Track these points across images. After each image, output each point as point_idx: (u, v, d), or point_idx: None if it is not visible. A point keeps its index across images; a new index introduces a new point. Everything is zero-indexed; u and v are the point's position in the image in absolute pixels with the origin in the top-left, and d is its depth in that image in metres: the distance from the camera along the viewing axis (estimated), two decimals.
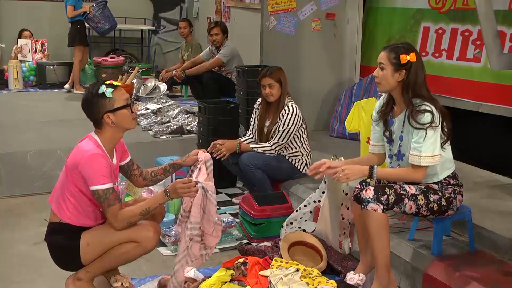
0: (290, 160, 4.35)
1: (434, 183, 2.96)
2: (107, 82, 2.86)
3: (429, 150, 2.82)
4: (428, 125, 2.82)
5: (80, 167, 2.76)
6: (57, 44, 8.92)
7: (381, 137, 3.11)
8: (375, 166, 2.91)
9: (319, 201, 3.45)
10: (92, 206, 2.86)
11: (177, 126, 5.50)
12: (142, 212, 2.81)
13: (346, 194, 3.26)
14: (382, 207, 2.79)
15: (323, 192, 3.40)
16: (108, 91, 2.81)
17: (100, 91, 2.81)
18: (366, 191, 2.82)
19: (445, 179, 2.96)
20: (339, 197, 3.30)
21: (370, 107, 3.89)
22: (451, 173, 2.98)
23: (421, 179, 2.91)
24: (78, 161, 2.77)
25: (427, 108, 2.84)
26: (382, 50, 2.96)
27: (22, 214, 4.29)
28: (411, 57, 2.86)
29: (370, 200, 2.79)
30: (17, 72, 7.94)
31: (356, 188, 3.03)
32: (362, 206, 2.83)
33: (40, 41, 8.60)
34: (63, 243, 2.84)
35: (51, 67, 8.07)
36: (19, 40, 8.60)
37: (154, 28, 10.15)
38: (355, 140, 5.14)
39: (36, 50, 8.55)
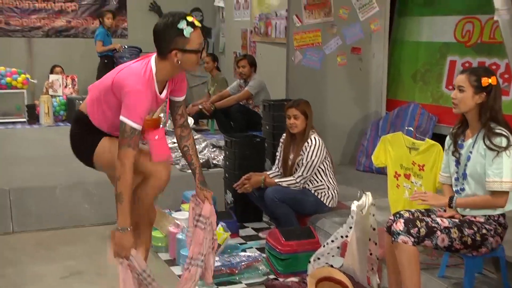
0: (315, 194, 4.33)
1: (483, 215, 2.93)
2: (189, 18, 2.70)
3: (510, 175, 2.81)
4: (503, 149, 2.81)
5: (123, 94, 2.69)
6: (87, 79, 9.08)
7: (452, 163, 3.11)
8: (455, 197, 2.95)
9: (347, 236, 3.41)
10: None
11: (203, 160, 5.52)
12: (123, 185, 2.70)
13: (374, 229, 3.23)
14: (412, 239, 2.77)
15: (351, 227, 3.36)
16: (187, 31, 2.67)
17: (179, 26, 2.67)
18: (396, 223, 2.82)
19: (497, 215, 2.93)
20: (367, 232, 3.26)
21: (397, 141, 3.87)
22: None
23: (503, 204, 2.88)
24: (125, 87, 2.69)
25: (503, 132, 2.85)
26: (460, 73, 2.99)
27: (50, 247, 4.32)
28: (492, 80, 2.89)
29: (400, 232, 2.78)
30: (48, 107, 8.11)
31: (390, 219, 3.01)
32: (393, 239, 2.82)
33: (70, 77, 8.80)
34: (84, 134, 2.90)
35: (81, 102, 8.22)
36: (50, 75, 8.81)
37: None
38: (382, 174, 5.09)
39: (66, 85, 8.74)
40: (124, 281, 2.76)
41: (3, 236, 4.53)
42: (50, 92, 8.64)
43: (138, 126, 2.68)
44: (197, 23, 2.71)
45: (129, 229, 2.71)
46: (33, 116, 8.18)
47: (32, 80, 8.66)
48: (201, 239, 2.99)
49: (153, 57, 2.80)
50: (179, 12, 2.74)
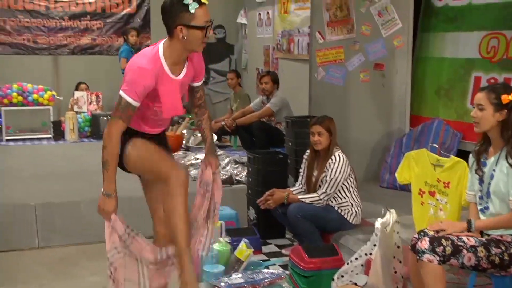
0: (339, 210, 4.30)
1: (510, 234, 2.88)
2: None
3: None
4: None
5: (126, 72, 2.76)
6: (111, 95, 9.21)
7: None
8: (473, 220, 2.90)
9: (371, 254, 3.38)
10: (151, 110, 2.86)
11: (226, 176, 5.54)
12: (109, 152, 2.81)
13: (399, 247, 3.20)
14: (438, 258, 2.73)
15: (375, 245, 3.33)
16: (192, 6, 2.66)
17: (185, 1, 2.67)
18: (421, 241, 2.78)
19: None
20: (391, 250, 3.23)
21: (421, 158, 3.84)
22: None
23: None
24: (128, 65, 2.77)
25: None
26: (479, 91, 2.97)
27: (74, 263, 4.36)
28: None
29: (425, 251, 2.75)
30: (73, 123, 8.22)
31: (414, 237, 2.97)
32: (418, 257, 2.78)
33: (95, 93, 8.93)
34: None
35: (105, 118, 8.33)
36: (75, 92, 8.95)
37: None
38: (406, 191, 5.05)
39: (91, 101, 8.86)
40: (109, 235, 2.92)
41: (29, 251, 4.58)
42: (75, 108, 8.76)
43: (133, 102, 2.73)
44: (203, 0, 2.71)
45: (113, 195, 2.82)
46: (58, 132, 8.30)
47: (58, 97, 8.79)
48: (198, 204, 3.05)
49: (163, 41, 2.85)
50: None
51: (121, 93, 2.75)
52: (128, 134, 2.91)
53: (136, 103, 2.75)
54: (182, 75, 2.89)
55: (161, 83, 2.78)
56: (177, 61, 2.83)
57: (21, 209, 4.73)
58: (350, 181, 4.32)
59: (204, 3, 2.70)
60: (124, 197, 3.15)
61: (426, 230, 2.98)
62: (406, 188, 5.10)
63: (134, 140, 2.92)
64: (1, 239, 4.58)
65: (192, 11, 2.66)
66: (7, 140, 8.11)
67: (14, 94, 8.22)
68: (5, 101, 8.19)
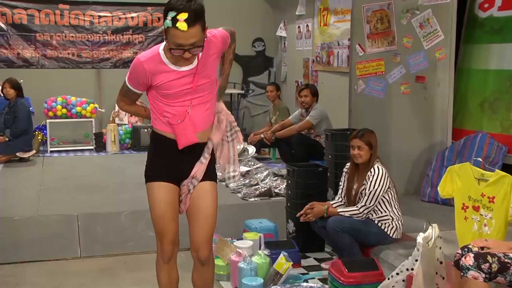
0: (379, 224, 4.24)
1: None
2: (180, 16, 2.60)
3: None
4: None
5: None
6: None
7: None
8: None
9: (412, 269, 3.31)
10: (164, 107, 2.93)
11: (265, 188, 5.54)
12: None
13: (441, 262, 3.13)
14: (484, 275, 2.65)
15: (416, 260, 3.26)
16: (165, 23, 2.65)
17: (168, 14, 2.63)
18: (466, 258, 2.71)
19: None
20: (433, 266, 3.16)
21: (464, 172, 3.76)
22: None
23: None
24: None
25: None
26: None
27: (115, 273, 4.41)
28: None
29: (470, 267, 2.67)
30: (114, 135, 8.38)
31: (458, 253, 2.90)
32: (462, 274, 2.71)
33: None
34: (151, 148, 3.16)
35: (145, 130, 8.45)
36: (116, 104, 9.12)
37: (243, 92, 10.45)
38: (448, 205, 4.96)
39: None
40: None
41: (71, 261, 4.67)
42: (116, 120, 8.93)
43: (132, 88, 2.97)
44: (180, 26, 2.61)
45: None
46: (100, 144, 8.47)
47: (100, 110, 8.99)
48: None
49: None
50: (184, 3, 2.64)
51: (125, 78, 3.00)
52: (155, 139, 3.05)
53: (134, 89, 2.97)
54: (190, 67, 2.87)
55: (159, 72, 2.85)
56: (176, 57, 2.81)
57: (65, 219, 4.83)
58: (391, 194, 4.26)
59: (177, 28, 2.62)
60: None
61: (470, 246, 2.91)
62: (448, 202, 5.01)
63: (149, 185, 3.07)
64: (46, 248, 4.68)
65: (164, 27, 2.67)
66: (51, 151, 8.31)
67: (59, 106, 8.44)
68: (50, 113, 8.42)
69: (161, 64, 2.85)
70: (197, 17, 2.65)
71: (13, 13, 9.08)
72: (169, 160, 3.02)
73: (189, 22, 2.62)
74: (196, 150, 3.01)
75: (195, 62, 2.88)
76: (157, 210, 3.06)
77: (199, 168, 3.02)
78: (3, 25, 9.09)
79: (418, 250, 3.24)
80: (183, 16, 2.60)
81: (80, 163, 7.54)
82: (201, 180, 3.05)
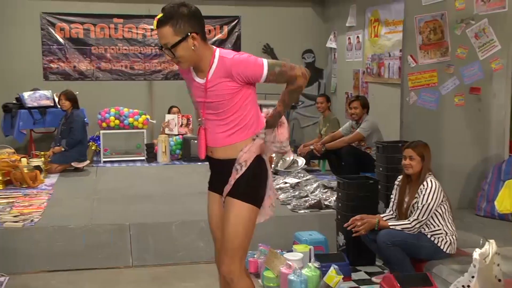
0: (432, 239, 4.14)
1: None
2: (159, 15, 2.74)
3: None
4: None
5: None
6: None
7: None
8: None
9: (469, 286, 3.22)
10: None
11: (315, 200, 5.50)
12: None
13: (500, 280, 3.03)
14: None
15: (473, 277, 3.18)
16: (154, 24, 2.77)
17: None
18: None
19: None
20: (491, 283, 3.07)
21: None
22: None
23: None
24: None
25: None
26: None
27: (165, 283, 4.45)
28: None
29: None
30: (165, 146, 8.51)
31: None
32: None
33: (185, 116, 9.20)
34: None
35: (195, 141, 8.54)
36: (166, 115, 9.26)
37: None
38: (505, 221, 4.81)
39: (182, 124, 9.14)
40: None
41: (123, 269, 4.74)
42: (166, 131, 9.06)
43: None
44: (153, 23, 2.78)
45: None
46: (151, 155, 8.61)
47: (152, 121, 9.14)
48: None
49: None
50: (172, 5, 2.74)
51: None
52: None
53: (189, 92, 3.04)
54: (202, 80, 2.88)
55: (188, 79, 2.99)
56: (193, 64, 2.89)
57: (117, 229, 4.92)
58: (444, 208, 4.16)
59: (156, 28, 2.78)
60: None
61: None
62: (505, 217, 4.86)
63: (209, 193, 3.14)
64: (99, 256, 4.77)
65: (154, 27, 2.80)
66: (104, 161, 8.50)
67: (112, 117, 8.64)
68: (104, 124, 8.62)
69: (189, 71, 2.96)
70: (167, 19, 2.72)
71: (70, 28, 9.40)
72: (211, 171, 3.13)
73: (159, 22, 2.74)
74: (223, 166, 2.95)
75: (210, 74, 2.85)
76: (208, 217, 3.15)
77: (226, 188, 2.95)
78: (61, 39, 9.41)
79: (474, 266, 3.15)
80: (159, 15, 2.74)
81: (132, 174, 7.68)
82: (231, 196, 2.92)
